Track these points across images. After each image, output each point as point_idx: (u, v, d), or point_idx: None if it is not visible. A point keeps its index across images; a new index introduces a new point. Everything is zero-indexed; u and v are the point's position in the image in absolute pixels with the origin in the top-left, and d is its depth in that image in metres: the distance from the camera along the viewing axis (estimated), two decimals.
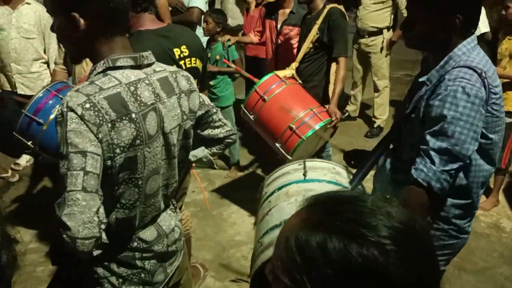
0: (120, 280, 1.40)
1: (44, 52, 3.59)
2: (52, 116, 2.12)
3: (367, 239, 0.59)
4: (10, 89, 3.64)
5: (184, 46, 2.01)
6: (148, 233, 1.41)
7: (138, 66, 1.27)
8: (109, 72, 1.21)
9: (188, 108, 1.39)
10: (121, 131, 1.17)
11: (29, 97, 3.55)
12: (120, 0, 1.21)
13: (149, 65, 1.31)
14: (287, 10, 3.44)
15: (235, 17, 4.59)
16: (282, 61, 3.30)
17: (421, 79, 1.57)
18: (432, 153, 1.42)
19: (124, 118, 1.18)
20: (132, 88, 1.22)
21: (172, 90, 1.34)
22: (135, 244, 1.39)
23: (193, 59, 2.05)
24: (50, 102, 2.20)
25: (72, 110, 1.11)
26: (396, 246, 0.59)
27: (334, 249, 0.58)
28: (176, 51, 1.98)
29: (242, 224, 3.26)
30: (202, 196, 3.48)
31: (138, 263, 1.40)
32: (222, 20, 3.58)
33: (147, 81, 1.27)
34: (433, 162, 1.42)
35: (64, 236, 1.07)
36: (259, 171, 3.94)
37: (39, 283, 2.67)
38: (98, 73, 1.21)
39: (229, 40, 3.54)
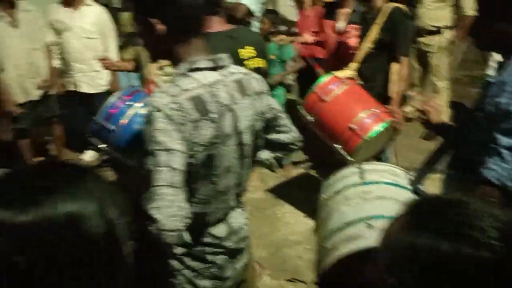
0: (193, 273, 1.46)
1: (104, 51, 3.77)
2: (122, 121, 2.22)
3: (478, 241, 0.60)
4: (73, 89, 3.85)
5: (249, 47, 2.05)
6: (220, 230, 1.46)
7: (215, 68, 1.31)
8: (190, 73, 1.27)
9: (259, 109, 1.43)
10: (202, 130, 1.23)
11: (90, 95, 3.78)
12: (195, 5, 1.26)
13: (225, 67, 1.35)
14: (348, 9, 3.41)
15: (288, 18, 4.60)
16: (342, 61, 3.28)
17: (490, 79, 1.54)
18: (504, 151, 1.39)
19: (204, 117, 1.23)
20: (211, 89, 1.27)
21: (246, 92, 1.38)
22: (208, 239, 1.44)
23: (257, 59, 2.09)
24: (121, 108, 2.29)
25: (159, 110, 1.18)
26: (506, 247, 0.60)
27: (445, 252, 0.59)
28: (242, 52, 2.02)
29: (296, 224, 3.26)
30: (257, 195, 3.52)
31: (210, 257, 1.46)
32: (277, 20, 3.61)
33: (223, 83, 1.32)
34: (504, 161, 1.38)
35: (151, 228, 1.13)
36: (313, 172, 3.93)
37: None
38: (180, 74, 1.27)
39: (282, 40, 3.57)
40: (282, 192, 3.63)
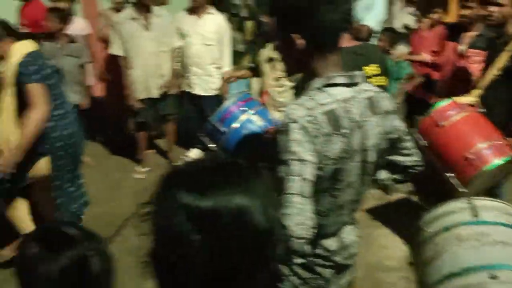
0: (299, 281, 1.49)
1: (219, 57, 4.00)
2: (234, 125, 2.34)
3: None
4: (187, 90, 4.13)
5: (374, 65, 2.05)
6: (332, 243, 1.48)
7: (350, 84, 1.34)
8: (326, 88, 1.31)
9: (386, 129, 1.42)
10: (333, 144, 1.26)
11: (200, 97, 4.02)
12: (335, 21, 1.30)
13: (359, 84, 1.37)
14: (474, 33, 3.24)
15: None
16: (460, 85, 3.12)
17: None
18: None
19: (336, 132, 1.27)
20: (345, 105, 1.30)
21: (376, 110, 1.38)
22: (319, 251, 1.46)
23: (380, 78, 2.08)
24: (234, 113, 2.41)
25: (295, 122, 1.23)
26: None
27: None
28: (366, 69, 2.02)
29: (392, 249, 3.15)
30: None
31: (318, 269, 1.48)
32: (395, 38, 3.55)
33: (356, 99, 1.34)
34: None
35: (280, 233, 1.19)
36: (415, 197, 3.77)
37: None
38: (316, 88, 1.31)
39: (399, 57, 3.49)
40: (380, 213, 3.53)
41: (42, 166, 2.73)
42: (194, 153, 4.50)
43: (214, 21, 3.95)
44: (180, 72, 4.15)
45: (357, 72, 1.37)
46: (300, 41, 1.30)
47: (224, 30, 4.00)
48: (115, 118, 4.55)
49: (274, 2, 1.33)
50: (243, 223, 0.63)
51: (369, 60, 2.04)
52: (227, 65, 4.11)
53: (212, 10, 3.97)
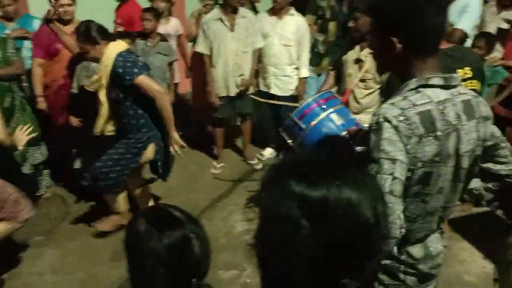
0: (380, 286, 1.47)
1: (297, 58, 4.01)
2: (312, 124, 2.36)
3: None
4: (264, 90, 4.18)
5: (468, 68, 1.97)
6: (417, 250, 1.44)
7: (446, 86, 1.30)
8: (421, 89, 1.28)
9: (482, 135, 1.36)
10: (426, 147, 1.23)
11: (277, 97, 4.06)
12: (438, 25, 1.27)
13: (455, 86, 1.33)
14: None
15: None
16: None
17: None
18: None
19: (430, 134, 1.24)
20: (440, 107, 1.27)
21: (473, 114, 1.33)
22: (403, 257, 1.43)
23: (474, 81, 1.98)
24: (314, 111, 2.43)
25: (388, 121, 1.22)
26: None
27: None
28: (460, 72, 1.94)
29: (472, 264, 2.99)
30: None
31: (401, 276, 1.45)
32: (491, 43, 3.36)
33: (452, 102, 1.30)
34: None
35: None
36: (501, 212, 3.53)
37: None
38: (411, 89, 1.29)
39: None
40: (462, 226, 3.36)
41: (150, 151, 3.01)
42: (269, 152, 4.58)
43: (294, 22, 3.98)
44: (258, 72, 4.23)
45: (454, 75, 1.34)
46: (398, 46, 1.28)
47: (303, 32, 4.02)
48: (197, 114, 4.73)
49: (376, 3, 1.32)
50: (352, 216, 0.65)
51: (461, 62, 1.96)
52: (304, 66, 4.13)
53: (292, 11, 4.01)
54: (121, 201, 3.19)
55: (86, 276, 2.93)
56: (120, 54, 2.80)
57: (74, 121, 3.46)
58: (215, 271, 0.98)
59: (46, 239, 3.25)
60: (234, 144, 4.83)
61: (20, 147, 2.63)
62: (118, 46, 2.86)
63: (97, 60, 2.85)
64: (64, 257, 3.10)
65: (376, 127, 1.25)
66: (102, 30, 2.87)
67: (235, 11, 3.89)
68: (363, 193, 0.67)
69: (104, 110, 2.93)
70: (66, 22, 3.50)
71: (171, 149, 3.01)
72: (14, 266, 2.95)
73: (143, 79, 2.78)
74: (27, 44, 3.66)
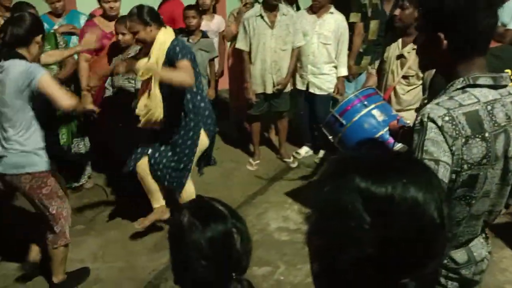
0: None
1: (335, 57, 3.98)
2: (353, 120, 2.34)
3: None
4: (302, 88, 4.16)
5: None
6: (459, 255, 1.40)
7: (495, 86, 1.26)
8: (468, 89, 1.25)
9: None
10: (472, 148, 1.20)
11: (314, 95, 4.02)
12: (489, 25, 1.23)
13: (504, 86, 1.28)
14: None
15: None
16: None
17: None
18: None
19: (477, 135, 1.20)
20: (489, 108, 1.23)
21: None
22: (446, 261, 1.39)
23: None
24: (355, 107, 2.41)
25: (433, 121, 1.19)
26: None
27: None
28: (508, 72, 1.87)
29: None
30: None
31: (442, 280, 1.42)
32: None
33: (501, 102, 1.26)
34: None
35: None
36: None
37: (305, 262, 2.99)
38: (457, 89, 1.26)
39: None
40: (505, 233, 3.23)
41: (204, 140, 3.07)
42: (305, 151, 4.58)
43: (334, 21, 3.94)
44: (296, 70, 4.21)
45: (503, 74, 1.29)
46: (445, 42, 1.25)
47: (343, 30, 3.97)
48: (234, 111, 4.77)
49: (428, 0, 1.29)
50: (416, 215, 0.64)
51: (510, 62, 1.88)
52: (343, 65, 4.08)
53: (332, 9, 3.96)
54: (160, 196, 3.26)
55: (124, 265, 3.02)
56: (176, 39, 2.81)
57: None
58: (249, 267, 1.00)
59: (87, 228, 3.38)
60: (270, 141, 4.84)
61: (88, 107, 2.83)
62: (171, 33, 2.86)
63: (144, 42, 2.82)
64: (104, 246, 3.21)
65: (420, 127, 1.22)
66: (154, 13, 2.88)
67: (275, 8, 3.89)
68: (430, 193, 0.66)
69: (157, 99, 2.81)
70: (111, 18, 3.61)
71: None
72: None
73: (188, 65, 2.73)
74: (74, 39, 3.80)
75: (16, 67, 2.37)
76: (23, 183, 2.47)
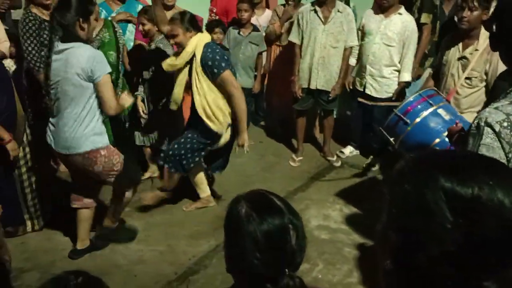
0: None
1: (399, 61, 3.82)
2: (418, 119, 2.29)
3: None
4: (359, 89, 4.03)
5: None
6: None
7: None
8: None
9: None
10: None
11: (372, 97, 3.93)
12: None
13: None
14: None
15: None
16: None
17: None
18: None
19: None
20: None
21: None
22: None
23: None
24: (419, 106, 2.36)
25: (490, 126, 1.16)
26: None
27: None
28: None
29: None
30: None
31: None
32: None
33: None
34: None
35: None
36: None
37: (345, 262, 2.97)
38: None
39: None
40: None
41: (228, 135, 3.23)
42: (349, 151, 4.52)
43: (401, 22, 3.74)
44: (354, 69, 4.11)
45: None
46: None
47: (410, 33, 3.75)
48: (281, 104, 4.75)
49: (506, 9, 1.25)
50: (502, 217, 0.63)
51: None
52: (406, 70, 3.84)
53: (402, 10, 3.77)
54: (206, 187, 3.45)
55: (165, 249, 3.10)
56: (207, 45, 3.01)
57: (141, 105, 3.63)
58: None
59: (131, 211, 3.48)
60: (314, 138, 4.81)
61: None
62: (204, 38, 3.08)
63: (181, 45, 3.04)
64: (147, 229, 3.30)
65: (476, 131, 1.20)
66: (195, 21, 3.12)
67: (331, 4, 3.83)
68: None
69: (180, 89, 3.18)
70: (168, 8, 3.69)
71: (237, 148, 3.18)
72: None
73: (228, 75, 3.00)
74: (130, 27, 3.91)
75: (82, 50, 2.47)
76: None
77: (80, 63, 2.44)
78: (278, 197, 1.13)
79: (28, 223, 3.14)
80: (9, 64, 4.42)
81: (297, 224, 1.08)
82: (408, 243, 0.67)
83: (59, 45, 2.49)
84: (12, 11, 4.52)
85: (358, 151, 4.48)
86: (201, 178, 3.47)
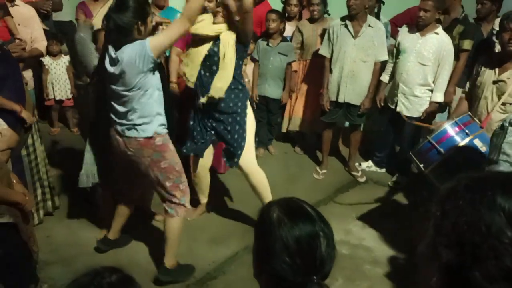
0: None
1: (433, 81, 3.77)
2: (453, 147, 2.25)
3: None
4: (391, 106, 4.01)
5: None
6: None
7: None
8: None
9: None
10: None
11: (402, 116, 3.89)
12: None
13: None
14: None
15: None
16: None
17: None
18: None
19: None
20: None
21: None
22: None
23: None
24: (455, 135, 2.32)
25: None
26: None
27: None
28: None
29: None
30: None
31: None
32: None
33: None
34: None
35: None
36: None
37: (364, 279, 2.94)
38: None
39: None
40: None
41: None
42: (367, 165, 4.49)
43: (438, 42, 3.70)
44: (386, 86, 4.09)
45: None
46: None
47: (446, 53, 3.69)
48: (309, 116, 4.74)
49: None
50: None
51: None
52: (439, 90, 3.78)
53: (439, 30, 3.73)
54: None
55: (185, 251, 3.12)
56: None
57: None
58: None
59: (157, 212, 3.53)
60: (339, 152, 4.79)
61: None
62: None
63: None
64: None
65: (500, 131, 1.27)
66: None
67: (361, 19, 3.83)
68: None
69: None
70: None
71: None
72: (127, 231, 3.22)
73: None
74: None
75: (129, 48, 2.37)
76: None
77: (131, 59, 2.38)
78: (309, 205, 1.14)
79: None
80: (48, 62, 4.62)
81: (328, 233, 1.08)
82: (463, 259, 0.67)
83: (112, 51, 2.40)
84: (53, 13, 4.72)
85: (377, 168, 4.44)
86: (207, 182, 3.49)
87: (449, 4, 3.96)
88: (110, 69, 2.43)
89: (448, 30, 3.83)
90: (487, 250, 0.65)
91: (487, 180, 0.71)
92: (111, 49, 2.41)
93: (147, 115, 2.50)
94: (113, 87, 2.47)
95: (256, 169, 3.21)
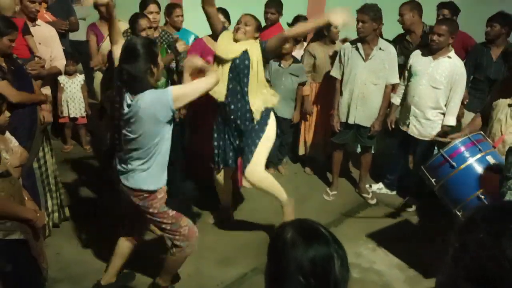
0: None
1: (445, 104, 3.76)
2: (465, 164, 2.23)
3: None
4: (403, 128, 3.97)
5: None
6: None
7: None
8: None
9: None
10: None
11: (415, 139, 3.87)
12: None
13: None
14: None
15: None
16: None
17: None
18: None
19: None
20: None
21: None
22: None
23: None
24: (468, 150, 2.31)
25: None
26: None
27: None
28: None
29: None
30: None
31: None
32: None
33: None
34: None
35: None
36: None
37: None
38: None
39: None
40: None
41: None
42: (377, 187, 4.45)
43: (450, 66, 3.69)
44: (397, 109, 4.07)
45: None
46: None
47: (458, 77, 3.68)
48: (319, 136, 4.74)
49: None
50: None
51: None
52: (451, 114, 3.77)
53: (452, 53, 3.73)
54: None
55: (193, 272, 3.10)
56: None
57: None
58: None
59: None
60: (349, 173, 4.76)
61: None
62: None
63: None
64: None
65: None
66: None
67: (371, 42, 3.85)
68: None
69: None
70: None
71: None
72: (140, 250, 3.20)
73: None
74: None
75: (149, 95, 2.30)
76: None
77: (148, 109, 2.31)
78: (323, 226, 1.13)
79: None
80: (63, 80, 4.71)
81: (342, 254, 1.07)
82: (487, 283, 0.67)
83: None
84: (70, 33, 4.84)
85: (388, 190, 4.39)
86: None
87: (410, 23, 4.20)
88: (126, 115, 2.34)
89: (424, 46, 3.91)
90: (508, 284, 0.64)
91: (505, 211, 0.71)
92: (127, 97, 2.33)
93: (146, 169, 2.43)
94: (124, 131, 2.39)
95: (260, 178, 3.23)
